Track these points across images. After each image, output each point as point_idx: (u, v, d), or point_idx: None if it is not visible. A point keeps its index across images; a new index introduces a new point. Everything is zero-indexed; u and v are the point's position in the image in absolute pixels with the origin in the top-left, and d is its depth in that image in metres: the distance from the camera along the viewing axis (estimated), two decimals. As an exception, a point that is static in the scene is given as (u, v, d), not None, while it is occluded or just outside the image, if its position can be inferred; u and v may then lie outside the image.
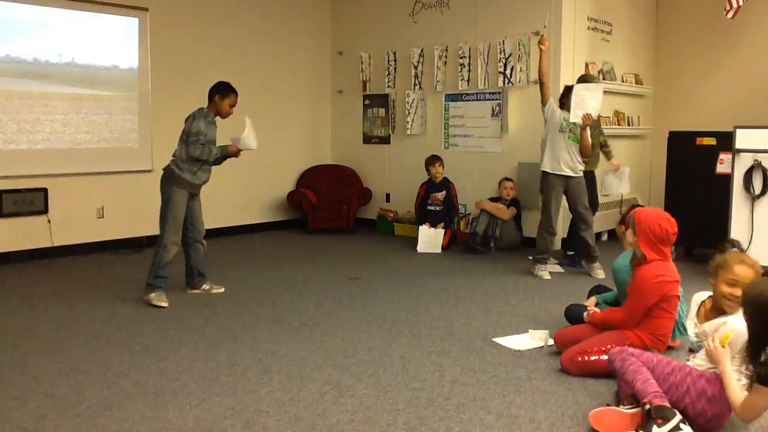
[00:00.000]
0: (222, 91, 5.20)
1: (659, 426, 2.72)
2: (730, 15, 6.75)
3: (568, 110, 5.73)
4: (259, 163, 8.35)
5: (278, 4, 8.51)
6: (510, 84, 7.35)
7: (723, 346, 2.80)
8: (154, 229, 6.93)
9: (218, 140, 5.31)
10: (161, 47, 7.31)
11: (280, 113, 8.59)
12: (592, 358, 3.50)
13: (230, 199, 8.11)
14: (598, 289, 4.44)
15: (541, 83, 5.87)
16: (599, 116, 6.73)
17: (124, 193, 7.14)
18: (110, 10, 6.99)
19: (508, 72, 7.34)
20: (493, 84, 7.51)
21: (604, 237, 7.81)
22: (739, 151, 5.70)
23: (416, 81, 8.20)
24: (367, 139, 8.87)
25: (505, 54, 7.35)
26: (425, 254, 7.03)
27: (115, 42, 7.09)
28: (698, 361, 2.97)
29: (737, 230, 5.69)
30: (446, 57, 7.89)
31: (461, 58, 7.72)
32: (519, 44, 7.21)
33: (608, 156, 6.72)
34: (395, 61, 8.40)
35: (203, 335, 4.26)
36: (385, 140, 8.66)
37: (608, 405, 3.09)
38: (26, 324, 4.52)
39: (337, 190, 8.64)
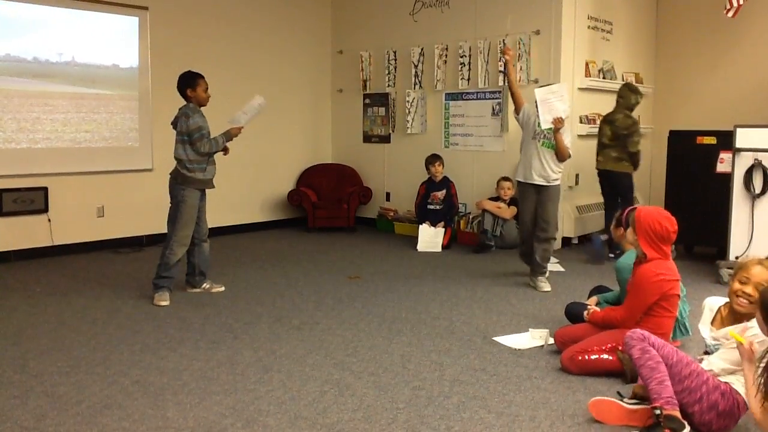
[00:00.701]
0: (191, 83, 5.09)
1: None
2: (730, 14, 6.75)
3: None
4: (260, 162, 8.36)
5: (278, 2, 8.50)
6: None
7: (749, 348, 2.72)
8: (154, 228, 6.96)
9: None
10: (161, 46, 7.30)
11: (280, 112, 8.58)
12: (593, 357, 3.50)
13: (231, 197, 8.11)
14: (599, 289, 4.45)
15: (512, 92, 5.69)
16: (638, 118, 6.75)
17: (125, 192, 7.14)
18: (110, 9, 6.99)
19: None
20: (493, 83, 7.51)
21: (604, 236, 7.79)
22: (740, 150, 5.70)
23: (416, 80, 8.19)
24: (368, 138, 8.87)
25: (505, 53, 7.33)
26: (425, 253, 7.03)
27: (115, 41, 7.09)
28: (714, 367, 2.92)
29: (737, 229, 5.69)
30: (446, 56, 7.89)
31: (461, 57, 7.72)
32: (519, 43, 7.20)
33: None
34: (395, 60, 8.39)
35: (203, 334, 4.26)
36: (386, 139, 8.65)
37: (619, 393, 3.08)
38: (26, 322, 4.52)
39: (338, 188, 8.64)
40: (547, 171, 5.45)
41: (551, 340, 3.96)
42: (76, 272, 6.06)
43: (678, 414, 2.76)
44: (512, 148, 7.44)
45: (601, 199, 7.66)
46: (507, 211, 7.09)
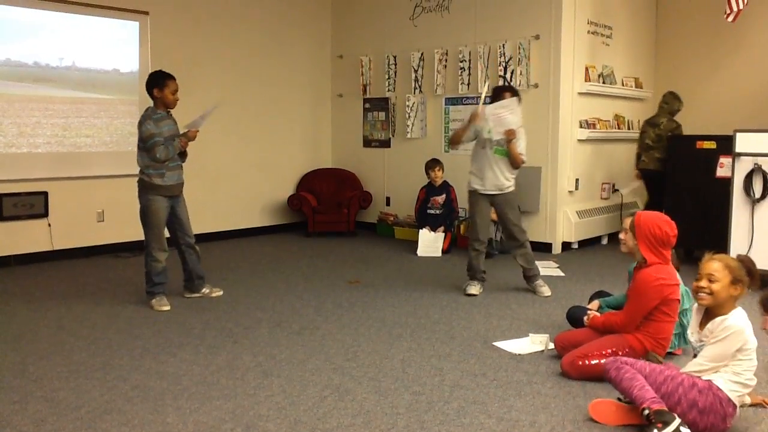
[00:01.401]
0: (159, 83, 4.97)
1: (660, 430, 2.72)
2: (730, 18, 6.76)
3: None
4: (260, 166, 8.37)
5: (278, 7, 8.52)
6: (510, 88, 7.35)
7: None
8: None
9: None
10: (162, 51, 7.31)
11: (280, 117, 8.59)
12: (593, 362, 3.49)
13: (231, 202, 8.12)
14: (600, 294, 4.44)
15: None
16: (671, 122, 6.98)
17: (125, 197, 7.09)
18: (111, 13, 7.00)
19: (508, 75, 7.35)
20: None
21: (604, 241, 7.81)
22: (740, 154, 5.70)
23: (416, 85, 8.20)
24: (368, 143, 8.88)
25: (505, 57, 7.35)
26: (425, 258, 7.03)
27: (115, 46, 7.10)
28: (693, 367, 2.96)
29: (737, 234, 5.69)
30: (446, 61, 7.90)
31: (461, 61, 7.73)
32: (519, 48, 7.22)
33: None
34: (395, 64, 8.41)
35: (203, 339, 4.26)
36: (386, 144, 8.66)
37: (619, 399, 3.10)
38: (26, 327, 4.51)
39: (338, 193, 8.64)
40: (500, 179, 5.39)
41: (551, 345, 3.95)
42: (76, 277, 6.06)
43: (665, 408, 2.81)
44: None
45: (601, 204, 7.70)
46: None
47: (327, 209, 8.43)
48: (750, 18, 7.37)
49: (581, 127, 7.36)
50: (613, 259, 6.68)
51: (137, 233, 7.13)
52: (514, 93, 5.40)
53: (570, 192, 7.31)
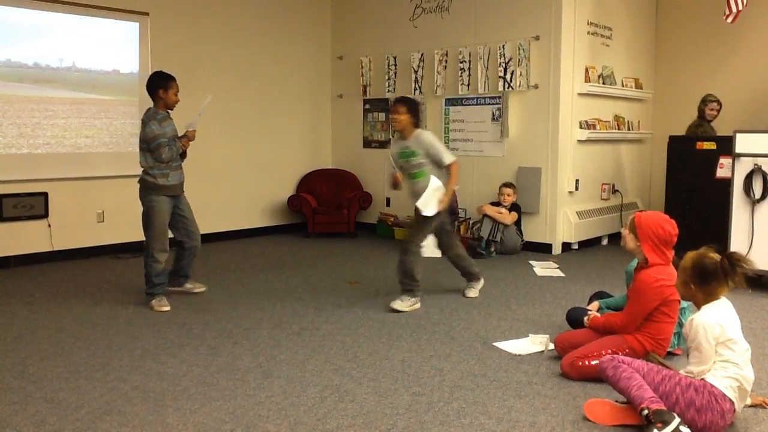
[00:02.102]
0: (164, 84, 5.02)
1: (659, 430, 2.73)
2: (729, 20, 6.77)
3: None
4: (260, 167, 8.37)
5: (278, 8, 8.52)
6: (510, 88, 7.36)
7: None
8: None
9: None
10: (162, 52, 7.32)
11: (280, 118, 8.60)
12: (593, 362, 3.49)
13: (230, 203, 8.12)
14: (600, 294, 4.44)
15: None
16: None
17: (125, 198, 7.11)
18: (111, 14, 7.00)
19: (508, 76, 7.36)
20: (493, 88, 7.52)
21: (604, 241, 7.81)
22: (739, 155, 5.70)
23: (416, 85, 8.20)
24: (368, 144, 8.88)
25: (505, 58, 7.36)
26: (426, 259, 7.00)
27: (115, 46, 7.10)
28: (690, 368, 2.97)
29: (737, 234, 5.69)
30: (446, 61, 7.91)
31: (461, 62, 7.73)
32: (519, 48, 7.22)
33: None
34: (395, 65, 8.41)
35: (203, 339, 4.26)
36: (386, 144, 8.66)
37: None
38: (26, 328, 4.51)
39: (338, 194, 8.64)
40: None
41: (551, 346, 3.96)
42: (76, 278, 6.06)
43: (664, 407, 2.82)
44: (512, 153, 7.46)
45: (601, 205, 7.71)
46: (508, 217, 7.09)
47: (327, 210, 8.43)
48: (749, 19, 7.37)
49: (581, 127, 7.37)
50: (613, 260, 6.69)
51: (137, 234, 7.15)
52: (406, 102, 5.07)
53: (570, 193, 7.31)
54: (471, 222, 7.60)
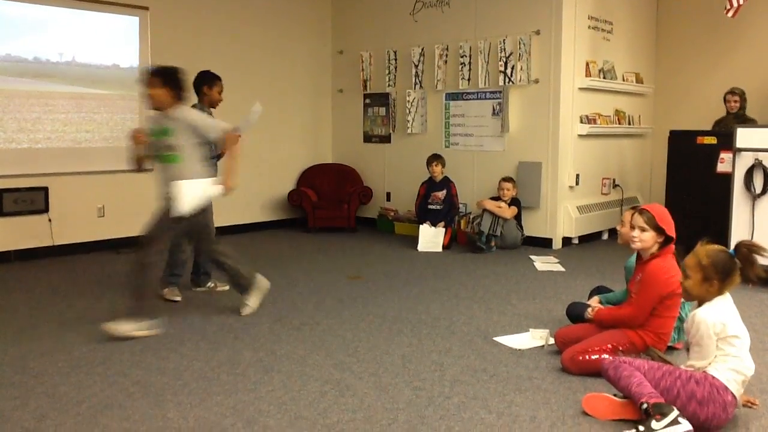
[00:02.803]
0: (209, 81, 5.20)
1: (658, 421, 2.74)
2: (730, 14, 6.75)
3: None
4: (260, 161, 8.36)
5: (279, 3, 8.51)
6: (510, 83, 7.35)
7: None
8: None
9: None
10: (161, 46, 7.30)
11: (280, 112, 8.59)
12: (593, 357, 3.50)
13: (231, 198, 8.07)
14: (599, 289, 4.44)
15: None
16: None
17: (125, 192, 7.14)
18: (111, 9, 6.99)
19: (508, 71, 7.35)
20: (493, 83, 7.51)
21: (605, 236, 7.81)
22: (740, 150, 5.69)
23: (417, 80, 8.19)
24: (368, 138, 8.87)
25: (505, 53, 7.35)
26: (426, 253, 7.03)
27: (115, 41, 7.09)
28: (691, 362, 2.98)
29: (738, 229, 5.69)
30: (447, 56, 7.89)
31: (462, 57, 7.72)
32: (519, 43, 7.21)
33: None
34: (396, 60, 8.40)
35: (204, 334, 4.26)
36: (386, 139, 8.66)
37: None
38: (27, 323, 4.52)
39: (338, 188, 8.64)
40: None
41: (552, 341, 3.96)
42: (77, 272, 6.06)
43: (662, 401, 2.82)
44: (512, 148, 7.46)
45: (602, 200, 7.71)
46: (507, 211, 7.09)
47: (327, 205, 8.43)
48: (750, 13, 7.35)
49: (582, 122, 7.36)
50: (613, 255, 6.69)
51: (138, 228, 7.18)
52: (160, 74, 4.36)
53: (570, 187, 7.31)
54: (471, 216, 7.61)
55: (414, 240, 7.35)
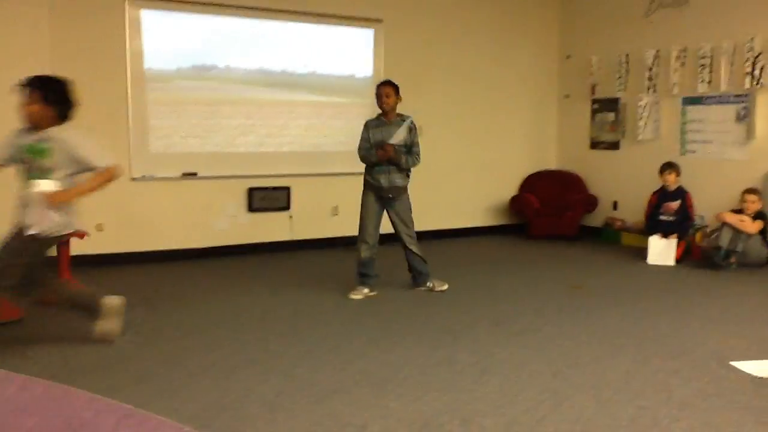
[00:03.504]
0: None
1: None
2: None
3: None
4: (482, 166, 8.44)
5: (504, 9, 8.53)
6: (759, 85, 6.69)
7: None
8: (383, 228, 7.31)
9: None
10: (393, 56, 7.67)
11: (503, 117, 8.61)
12: None
13: (453, 202, 8.29)
14: None
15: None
16: None
17: (357, 194, 7.57)
18: (349, 23, 7.50)
19: (756, 72, 6.69)
20: (738, 86, 6.88)
21: None
22: None
23: (650, 83, 7.76)
24: (595, 145, 8.57)
25: (753, 53, 6.70)
26: (655, 267, 6.63)
27: (352, 52, 7.59)
28: None
29: None
30: (684, 58, 7.38)
31: (702, 58, 7.17)
32: (773, 41, 6.54)
33: None
34: (627, 63, 8.02)
35: (425, 332, 4.41)
36: (614, 146, 8.30)
37: None
38: (269, 308, 5.00)
39: (561, 196, 8.45)
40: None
41: (801, 371, 3.55)
42: (312, 266, 6.57)
43: None
44: (759, 156, 6.78)
45: None
46: (751, 225, 6.45)
47: (550, 212, 8.28)
48: None
49: None
50: None
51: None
52: (39, 86, 3.86)
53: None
54: (708, 230, 7.02)
55: (642, 252, 6.96)
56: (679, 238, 6.82)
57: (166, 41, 6.64)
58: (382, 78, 7.70)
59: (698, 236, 7.08)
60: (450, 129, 8.15)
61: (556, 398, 3.30)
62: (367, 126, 5.41)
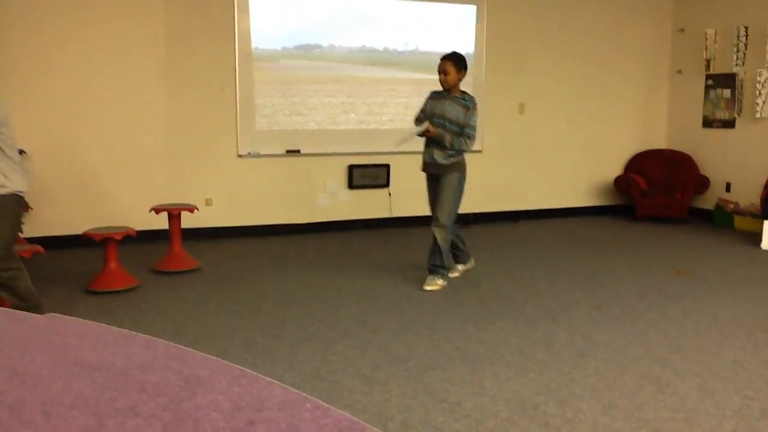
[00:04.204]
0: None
1: None
2: None
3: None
4: (586, 145, 8.21)
5: (616, -19, 8.20)
6: None
7: None
8: (480, 207, 7.26)
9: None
10: (496, 32, 7.55)
11: (611, 94, 8.31)
12: None
13: (556, 181, 8.12)
14: None
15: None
16: None
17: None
18: (451, -1, 7.44)
19: None
20: None
21: None
22: None
23: (772, 58, 7.29)
24: (708, 123, 8.15)
25: None
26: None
27: (453, 29, 7.52)
28: None
29: None
30: (813, 29, 6.88)
31: (833, 29, 6.66)
32: None
33: None
34: (746, 36, 7.55)
35: (522, 312, 4.38)
36: (729, 124, 7.87)
37: None
38: (367, 285, 5.10)
39: (671, 176, 8.10)
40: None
41: None
42: (410, 243, 6.63)
43: None
44: None
45: None
46: None
47: (657, 192, 7.97)
48: None
49: None
50: None
51: (465, 206, 7.62)
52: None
53: None
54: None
55: (756, 237, 6.60)
56: (799, 223, 6.42)
57: (273, 21, 6.83)
58: (484, 54, 7.64)
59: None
60: (553, 106, 7.96)
61: (657, 385, 3.21)
62: (429, 97, 5.22)
